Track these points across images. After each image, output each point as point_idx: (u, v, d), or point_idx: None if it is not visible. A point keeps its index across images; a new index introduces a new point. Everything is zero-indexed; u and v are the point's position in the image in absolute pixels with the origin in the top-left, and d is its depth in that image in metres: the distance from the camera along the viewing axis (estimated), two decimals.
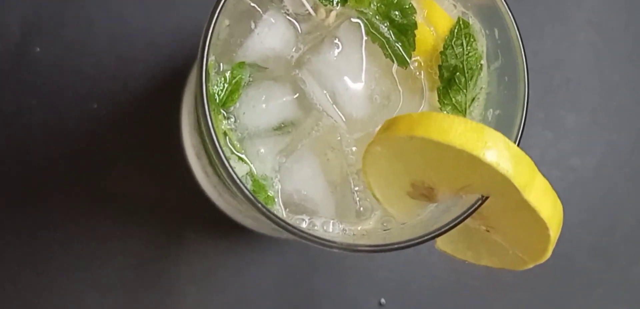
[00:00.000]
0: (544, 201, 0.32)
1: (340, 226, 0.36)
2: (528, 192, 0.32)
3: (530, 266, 0.36)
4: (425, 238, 0.32)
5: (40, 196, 0.52)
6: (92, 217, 0.52)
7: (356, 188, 0.36)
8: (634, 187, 0.61)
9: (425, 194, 0.35)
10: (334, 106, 0.36)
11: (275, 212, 0.33)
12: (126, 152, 0.53)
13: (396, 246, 0.32)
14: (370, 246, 0.32)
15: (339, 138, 0.36)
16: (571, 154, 0.61)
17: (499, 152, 0.31)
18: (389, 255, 0.57)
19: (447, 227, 0.32)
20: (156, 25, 0.53)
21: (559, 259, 0.62)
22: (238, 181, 0.30)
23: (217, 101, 0.34)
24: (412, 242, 0.32)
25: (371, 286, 0.57)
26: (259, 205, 0.30)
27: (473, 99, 0.37)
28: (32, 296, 0.52)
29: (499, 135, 0.32)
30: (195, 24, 0.53)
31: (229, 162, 0.30)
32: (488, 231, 0.36)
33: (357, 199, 0.36)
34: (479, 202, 0.33)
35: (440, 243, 0.38)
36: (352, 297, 0.57)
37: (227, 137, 0.35)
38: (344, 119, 0.36)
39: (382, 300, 0.57)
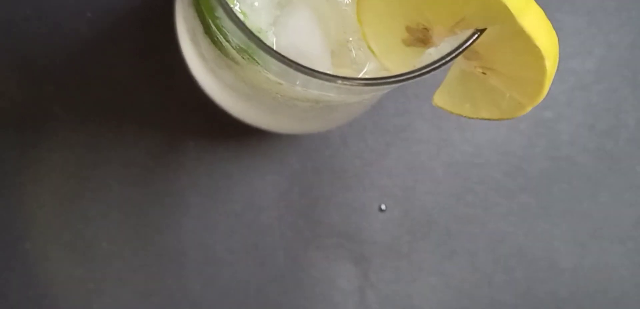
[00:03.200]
0: (540, 28, 0.32)
1: None
2: (523, 17, 0.32)
3: (528, 109, 0.36)
4: (423, 70, 0.32)
5: (37, 107, 0.52)
6: (91, 126, 0.52)
7: (350, 38, 0.36)
8: (635, 88, 0.61)
9: (420, 38, 0.35)
10: None
11: None
12: (122, 60, 0.53)
13: (392, 79, 0.32)
14: (367, 79, 0.32)
15: None
16: (570, 57, 0.60)
17: None
18: (390, 160, 0.57)
19: (445, 60, 0.32)
20: None
21: (562, 163, 0.62)
22: (232, 13, 0.30)
23: None
24: (409, 75, 0.32)
25: (373, 192, 0.57)
26: (255, 38, 0.30)
27: None
28: (32, 204, 0.52)
29: None
30: None
31: None
32: (484, 73, 0.36)
33: (352, 49, 0.36)
34: (475, 35, 0.33)
35: (438, 98, 0.38)
36: (355, 203, 0.57)
37: None
38: None
39: (383, 206, 0.57)
